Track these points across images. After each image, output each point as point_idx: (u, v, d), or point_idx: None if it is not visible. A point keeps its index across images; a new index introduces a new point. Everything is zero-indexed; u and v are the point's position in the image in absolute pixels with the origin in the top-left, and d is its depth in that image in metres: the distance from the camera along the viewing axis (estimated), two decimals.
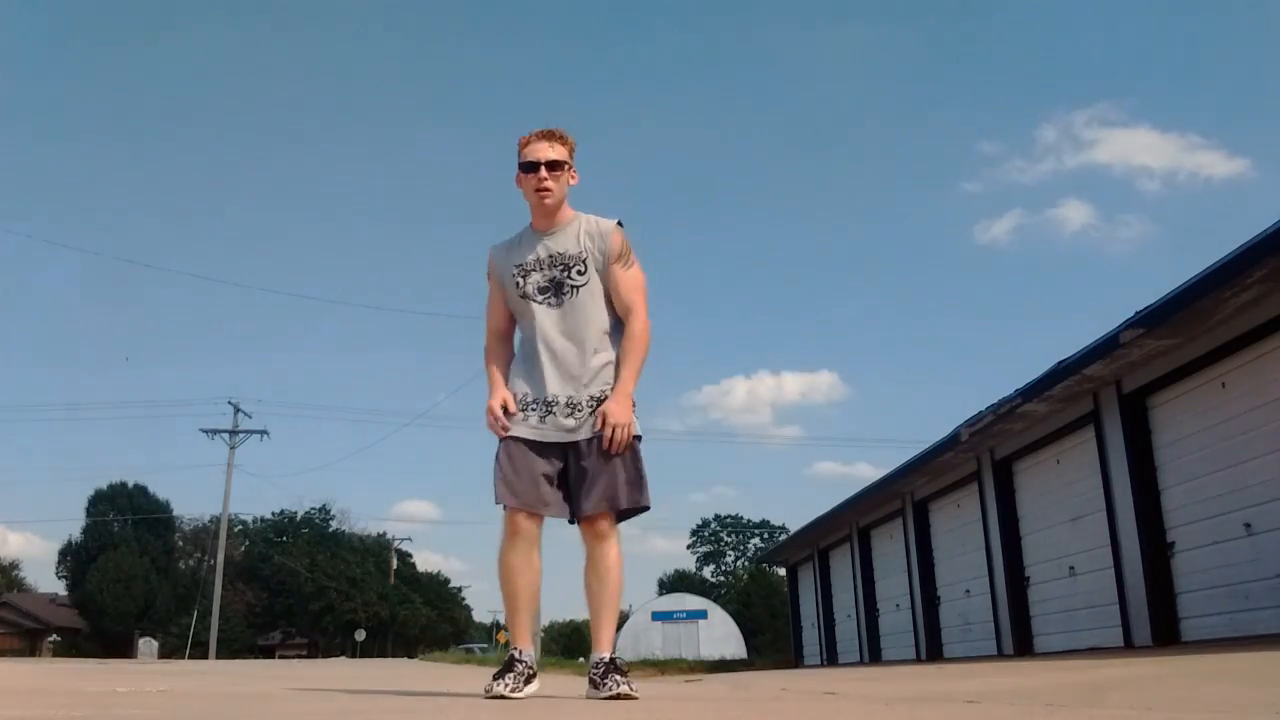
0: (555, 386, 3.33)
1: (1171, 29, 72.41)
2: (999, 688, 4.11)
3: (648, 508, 3.33)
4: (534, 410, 3.34)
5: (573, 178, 3.48)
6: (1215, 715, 2.34)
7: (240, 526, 59.26)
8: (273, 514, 61.77)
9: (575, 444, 3.32)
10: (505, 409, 3.34)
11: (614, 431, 3.26)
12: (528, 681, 3.31)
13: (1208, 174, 77.45)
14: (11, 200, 63.12)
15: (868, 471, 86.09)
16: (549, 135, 3.43)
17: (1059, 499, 10.75)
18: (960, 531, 13.44)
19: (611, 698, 3.13)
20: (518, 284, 3.43)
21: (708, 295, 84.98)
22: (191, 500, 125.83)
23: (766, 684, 6.67)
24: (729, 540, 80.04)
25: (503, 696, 3.22)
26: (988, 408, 10.62)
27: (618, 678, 3.18)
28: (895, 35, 76.45)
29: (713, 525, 79.64)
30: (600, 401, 3.33)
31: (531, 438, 3.32)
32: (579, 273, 3.39)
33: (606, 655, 3.27)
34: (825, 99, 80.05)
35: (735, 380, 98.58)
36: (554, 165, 3.39)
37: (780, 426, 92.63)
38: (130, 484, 53.97)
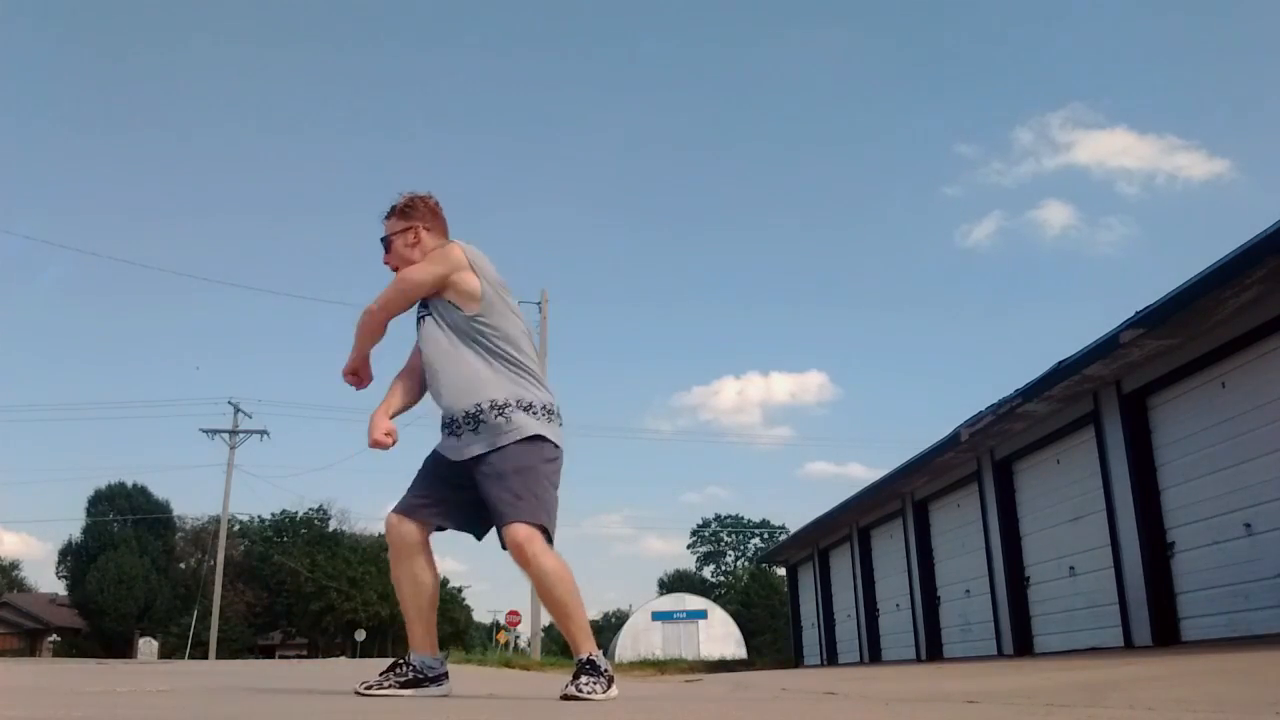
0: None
1: (1141, 30, 72.83)
2: (999, 688, 4.11)
3: (542, 526, 3.23)
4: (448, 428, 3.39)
5: (415, 237, 3.52)
6: (1215, 715, 2.34)
7: (240, 526, 59.23)
8: (272, 514, 61.78)
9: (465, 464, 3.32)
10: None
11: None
12: (409, 684, 3.35)
13: (1188, 175, 77.86)
14: (11, 201, 63.21)
15: (860, 471, 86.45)
16: (389, 213, 3.58)
17: (1059, 499, 10.75)
18: (960, 531, 13.44)
19: (564, 698, 3.15)
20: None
21: (697, 296, 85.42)
22: (191, 500, 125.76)
23: (766, 684, 6.67)
24: (729, 540, 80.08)
25: (360, 694, 3.31)
26: (988, 408, 10.62)
27: (582, 680, 3.17)
28: (861, 39, 77.05)
29: (713, 525, 79.69)
30: (474, 417, 3.33)
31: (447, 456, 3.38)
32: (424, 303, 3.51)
33: (584, 656, 3.24)
34: (805, 101, 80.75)
35: (725, 380, 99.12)
36: (384, 243, 3.57)
37: (770, 427, 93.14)
38: (130, 484, 54.00)
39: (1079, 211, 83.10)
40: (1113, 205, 79.22)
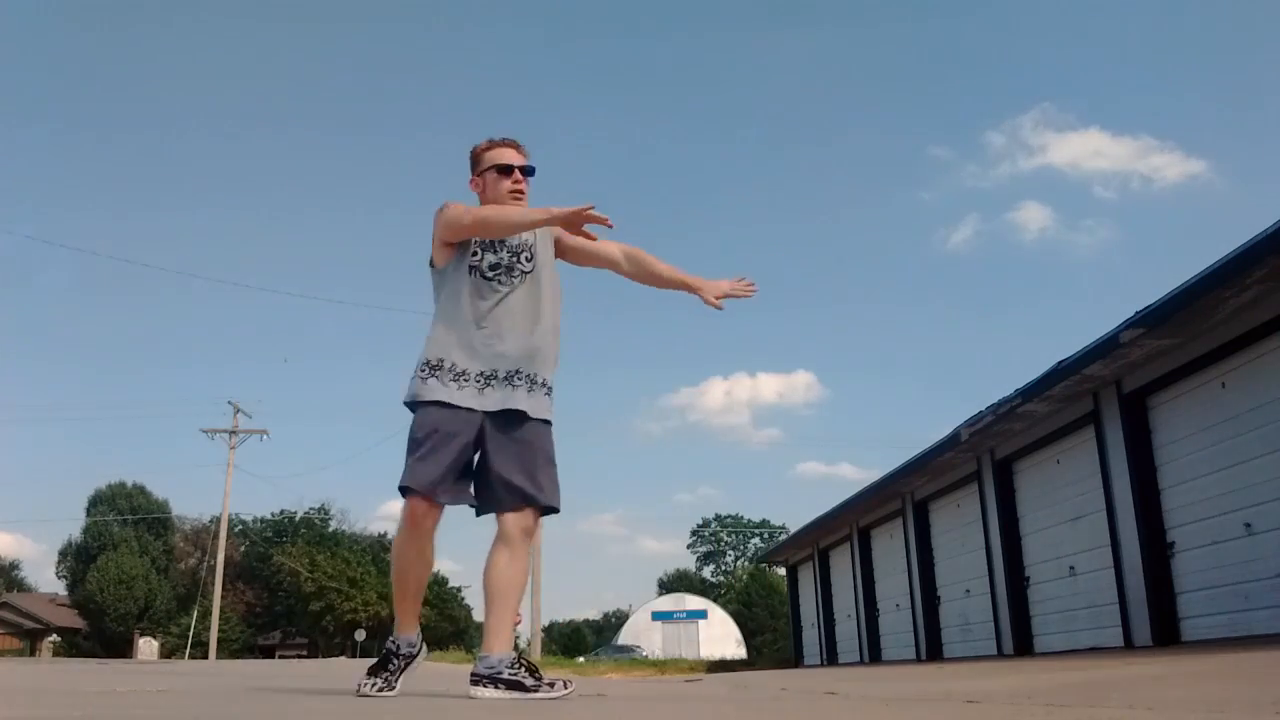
0: (495, 358, 3.27)
1: (1113, 31, 73.26)
2: (999, 688, 4.11)
3: (557, 510, 3.26)
4: (468, 381, 3.24)
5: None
6: (1215, 715, 2.34)
7: (240, 526, 59.22)
8: (272, 514, 61.80)
9: (500, 422, 3.23)
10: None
11: (736, 284, 3.44)
12: (403, 673, 3.33)
13: (1164, 175, 78.33)
14: (11, 201, 63.18)
15: (850, 471, 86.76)
16: (517, 145, 3.51)
17: (1059, 499, 10.75)
18: (960, 531, 13.44)
19: (561, 697, 3.11)
20: (475, 253, 3.37)
21: (685, 298, 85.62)
22: (191, 500, 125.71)
23: (766, 684, 6.68)
24: (729, 540, 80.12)
25: (367, 695, 3.23)
26: (988, 407, 10.62)
27: (546, 676, 3.17)
28: (832, 42, 77.58)
29: (713, 525, 79.72)
30: (537, 383, 3.28)
31: (469, 404, 3.21)
32: (527, 259, 3.40)
33: (510, 654, 3.15)
34: (784, 102, 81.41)
35: (713, 381, 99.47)
36: (527, 171, 3.49)
37: (759, 427, 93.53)
38: (130, 484, 54.02)
39: (1056, 213, 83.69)
40: (1090, 207, 79.98)
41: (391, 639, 3.37)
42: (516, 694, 3.06)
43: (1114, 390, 9.28)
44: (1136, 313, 7.81)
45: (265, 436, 39.65)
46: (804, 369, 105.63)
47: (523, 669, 3.12)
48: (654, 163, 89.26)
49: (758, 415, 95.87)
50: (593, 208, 3.17)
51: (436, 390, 3.22)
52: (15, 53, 67.72)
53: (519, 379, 3.25)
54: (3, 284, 68.50)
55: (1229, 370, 7.91)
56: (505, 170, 3.45)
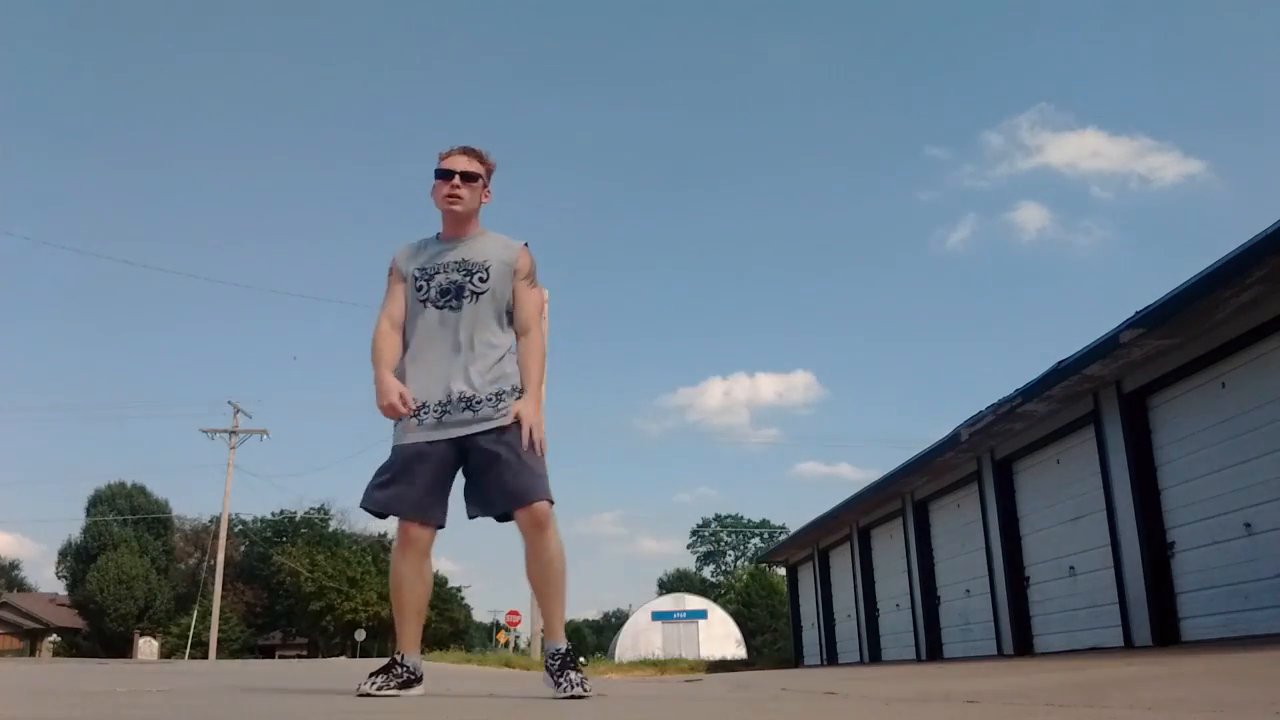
0: (451, 385, 3.37)
1: (1107, 32, 73.35)
2: (999, 688, 4.11)
3: (553, 501, 3.38)
4: (428, 413, 3.38)
5: (486, 195, 3.61)
6: (1215, 715, 2.34)
7: (240, 526, 59.16)
8: (272, 514, 61.73)
9: (476, 439, 3.35)
10: (403, 398, 3.33)
11: (531, 430, 3.35)
12: (404, 685, 3.37)
13: (1161, 175, 78.34)
14: (11, 202, 63.19)
15: (849, 471, 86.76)
16: (468, 150, 3.57)
17: (1059, 499, 10.75)
18: (960, 531, 13.44)
19: (569, 698, 3.26)
20: (420, 287, 3.48)
21: (683, 299, 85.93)
22: (191, 500, 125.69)
23: (766, 684, 6.68)
24: (729, 540, 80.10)
25: (369, 695, 3.30)
26: (988, 407, 10.62)
27: (572, 675, 3.31)
28: (825, 44, 77.71)
29: (713, 525, 79.71)
30: (500, 396, 3.38)
31: (429, 438, 3.35)
32: (481, 280, 3.47)
33: (562, 645, 3.39)
34: (779, 104, 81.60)
35: (712, 382, 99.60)
36: (468, 176, 3.52)
37: (758, 427, 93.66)
38: (130, 484, 53.96)
39: (1054, 213, 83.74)
40: (1088, 207, 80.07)
41: (397, 653, 3.46)
42: (550, 682, 3.38)
43: (1114, 390, 9.28)
44: (1136, 313, 7.81)
45: (265, 436, 39.71)
46: (803, 369, 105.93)
47: (558, 663, 3.36)
48: (651, 163, 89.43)
49: (757, 415, 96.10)
50: (400, 416, 3.32)
51: (401, 436, 3.40)
52: (15, 52, 67.74)
53: (478, 400, 3.36)
54: (3, 284, 68.50)
55: (1229, 370, 7.91)
56: (442, 175, 3.53)
